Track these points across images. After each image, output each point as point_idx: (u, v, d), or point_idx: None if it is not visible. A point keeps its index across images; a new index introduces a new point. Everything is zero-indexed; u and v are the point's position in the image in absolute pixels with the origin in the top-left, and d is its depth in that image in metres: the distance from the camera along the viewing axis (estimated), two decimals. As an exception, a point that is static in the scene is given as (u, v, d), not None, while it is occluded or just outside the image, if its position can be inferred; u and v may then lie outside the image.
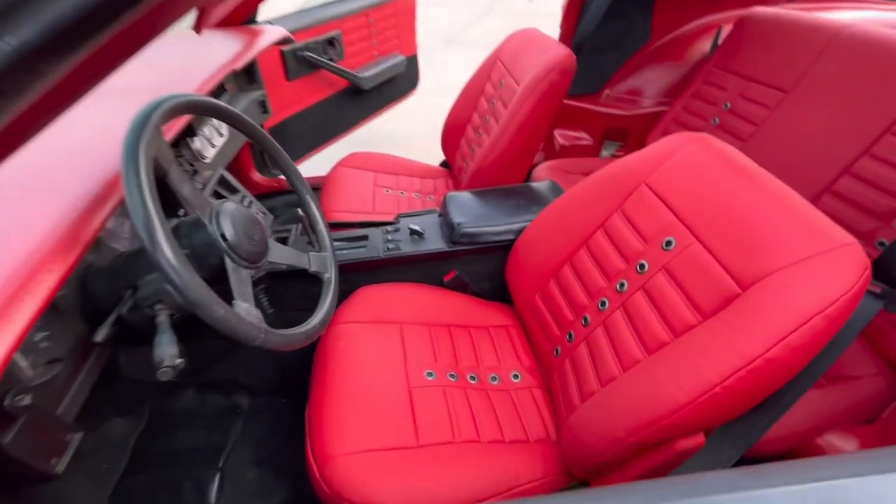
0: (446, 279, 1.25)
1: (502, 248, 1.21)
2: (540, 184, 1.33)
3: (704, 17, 1.82)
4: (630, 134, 1.90)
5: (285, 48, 1.72)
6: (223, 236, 0.65)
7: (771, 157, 1.38)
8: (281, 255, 0.77)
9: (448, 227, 1.21)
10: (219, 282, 0.71)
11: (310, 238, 1.17)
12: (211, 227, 0.65)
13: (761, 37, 1.50)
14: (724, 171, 0.81)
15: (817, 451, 1.00)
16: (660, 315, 0.80)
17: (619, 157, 1.96)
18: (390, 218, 1.36)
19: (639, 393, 0.73)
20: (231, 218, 0.67)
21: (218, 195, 1.21)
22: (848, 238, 0.64)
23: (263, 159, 1.85)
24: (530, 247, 1.13)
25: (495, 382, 1.06)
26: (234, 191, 1.27)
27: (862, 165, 1.14)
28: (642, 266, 0.86)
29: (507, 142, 1.31)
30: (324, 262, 0.86)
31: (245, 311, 0.60)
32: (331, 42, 1.90)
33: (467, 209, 1.23)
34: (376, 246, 1.21)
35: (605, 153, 1.94)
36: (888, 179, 1.08)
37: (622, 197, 0.95)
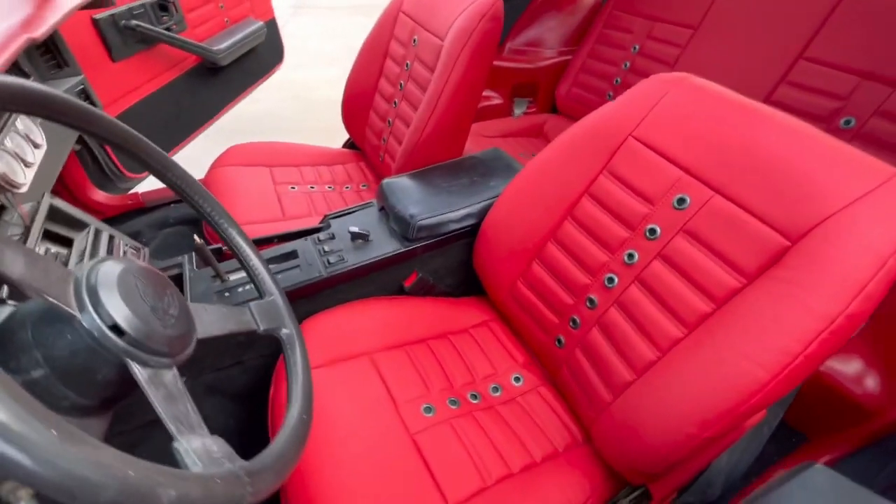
0: (407, 285, 1.04)
1: (466, 235, 1.03)
2: (484, 154, 1.16)
3: (590, -42, 1.78)
4: (539, 87, 1.82)
5: (98, 15, 1.24)
6: (115, 328, 0.36)
7: None
8: (213, 323, 0.49)
9: (399, 222, 0.98)
10: (119, 401, 0.42)
11: (219, 274, 0.85)
12: (86, 319, 0.35)
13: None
14: (726, 110, 0.72)
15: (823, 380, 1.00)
16: (691, 283, 0.70)
17: (531, 113, 1.87)
18: (315, 222, 1.08)
19: (702, 378, 0.63)
20: (119, 289, 0.37)
21: (51, 236, 0.79)
22: (891, 169, 0.59)
23: (102, 169, 1.36)
24: (501, 228, 0.97)
25: (499, 394, 0.90)
26: (75, 225, 0.85)
27: (783, 93, 1.19)
28: (653, 231, 0.75)
29: (444, 109, 1.10)
30: (275, 312, 0.58)
31: (204, 453, 0.33)
32: (162, 6, 1.43)
33: (416, 197, 1.01)
34: (312, 262, 0.94)
35: (517, 111, 1.84)
36: (811, 104, 1.14)
37: (606, 155, 0.83)
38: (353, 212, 1.08)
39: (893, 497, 0.45)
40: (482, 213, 1.01)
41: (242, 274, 0.90)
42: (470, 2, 1.07)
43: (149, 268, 0.43)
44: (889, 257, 0.54)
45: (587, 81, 1.70)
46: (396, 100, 1.31)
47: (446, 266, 1.07)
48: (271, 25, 2.11)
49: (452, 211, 0.99)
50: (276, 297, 0.60)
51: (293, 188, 1.36)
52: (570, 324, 0.86)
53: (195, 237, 0.82)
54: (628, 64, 1.57)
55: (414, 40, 1.24)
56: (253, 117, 2.83)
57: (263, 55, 2.13)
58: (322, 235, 0.99)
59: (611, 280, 0.80)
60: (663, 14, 1.46)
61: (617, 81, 1.61)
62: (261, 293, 0.59)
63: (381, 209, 1.06)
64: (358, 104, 1.46)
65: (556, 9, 1.75)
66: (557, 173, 0.89)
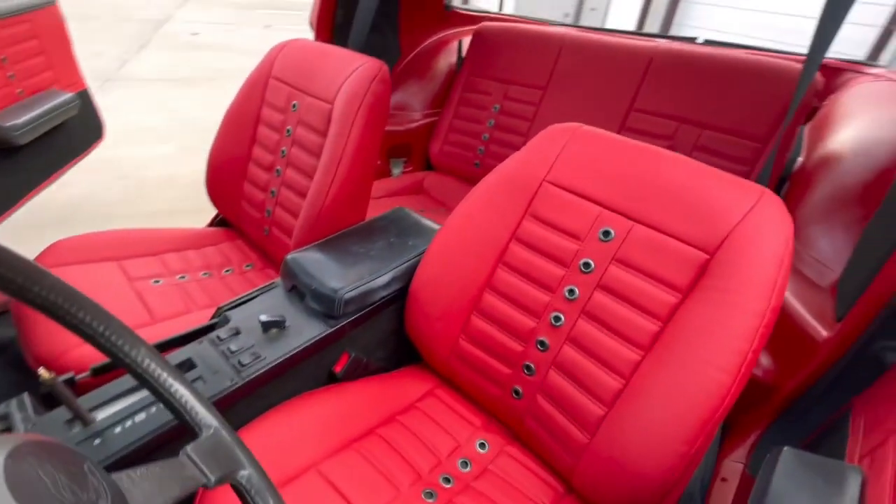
0: (338, 370, 0.89)
1: (394, 301, 0.95)
2: (390, 214, 1.11)
3: (438, 33, 1.95)
4: (413, 147, 1.88)
5: None
6: None
7: None
8: (152, 496, 0.32)
9: (321, 300, 0.86)
10: None
11: (82, 416, 0.62)
12: None
13: (501, 46, 1.70)
14: (621, 151, 0.82)
15: None
16: (634, 306, 0.75)
17: (408, 172, 1.91)
18: (200, 319, 0.88)
19: (676, 393, 0.66)
20: (17, 495, 0.21)
21: None
22: (759, 187, 0.72)
23: None
24: (432, 286, 0.92)
25: (468, 469, 0.81)
26: None
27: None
28: (587, 265, 0.79)
29: (345, 173, 1.03)
30: (223, 451, 0.42)
31: None
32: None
33: (333, 269, 0.90)
34: (218, 370, 0.74)
35: (395, 171, 1.85)
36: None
37: (525, 200, 0.86)
38: (255, 297, 0.91)
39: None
40: (408, 275, 0.95)
41: (116, 408, 0.67)
42: (356, 65, 1.06)
43: (46, 440, 0.27)
44: (783, 255, 0.65)
45: (457, 139, 1.82)
46: (279, 168, 1.19)
47: (377, 339, 0.97)
48: (84, 97, 1.80)
49: (378, 277, 0.91)
50: (217, 428, 0.44)
51: (157, 282, 1.10)
52: (525, 371, 0.83)
53: (41, 370, 0.58)
54: (493, 122, 1.73)
55: (293, 105, 1.16)
56: (67, 204, 2.30)
57: (77, 131, 1.79)
58: (222, 333, 0.81)
59: (557, 318, 0.81)
60: (515, 77, 1.67)
61: (485, 137, 1.75)
62: (197, 429, 0.43)
63: (292, 289, 0.91)
64: (228, 177, 1.29)
65: (417, 76, 1.86)
66: (481, 224, 0.89)
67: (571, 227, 0.81)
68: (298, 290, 0.90)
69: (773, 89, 1.19)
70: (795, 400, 0.93)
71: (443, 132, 1.85)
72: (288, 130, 1.17)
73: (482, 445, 0.86)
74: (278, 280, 0.95)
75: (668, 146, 1.41)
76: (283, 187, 1.18)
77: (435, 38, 1.94)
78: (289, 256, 0.92)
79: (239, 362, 0.75)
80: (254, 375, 0.74)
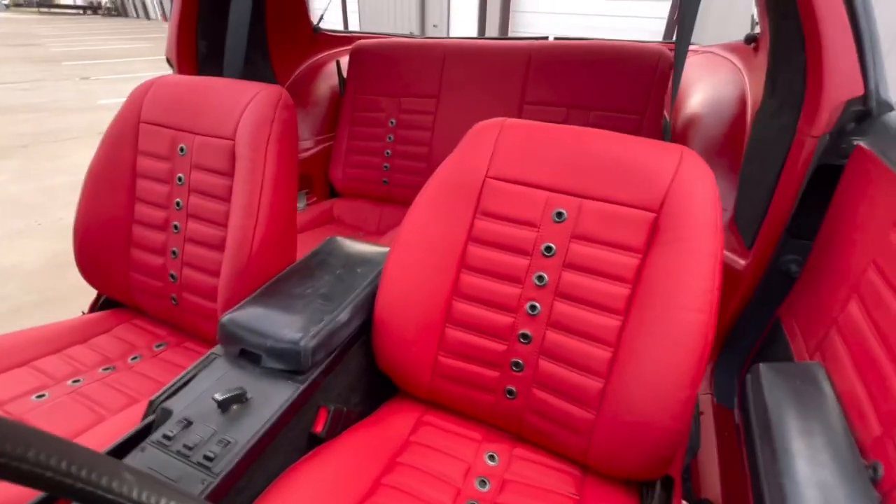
0: (318, 430, 0.78)
1: (357, 339, 0.87)
2: (323, 246, 1.02)
3: (311, 57, 1.87)
4: (313, 177, 1.76)
5: None
6: None
7: None
8: None
9: (282, 356, 0.74)
10: None
11: None
12: None
13: (383, 62, 1.69)
14: (549, 135, 0.85)
15: None
16: (602, 275, 0.78)
17: (314, 203, 1.79)
18: (130, 423, 0.71)
19: (667, 343, 0.70)
20: None
21: None
22: (676, 146, 0.81)
23: None
24: (397, 311, 0.86)
25: (488, 487, 0.77)
26: None
27: None
28: (549, 248, 0.81)
29: (268, 211, 0.91)
30: None
31: None
32: None
33: (285, 319, 0.79)
34: (181, 474, 0.60)
35: (300, 205, 1.72)
36: None
37: (472, 200, 0.85)
38: (194, 376, 0.75)
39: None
40: (368, 305, 0.88)
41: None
42: (252, 94, 0.95)
43: None
44: (714, 198, 0.73)
45: (359, 160, 1.76)
46: (176, 223, 1.02)
47: (349, 383, 0.87)
48: None
49: (338, 315, 0.82)
50: None
51: (41, 397, 0.85)
52: (514, 368, 0.82)
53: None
54: (392, 136, 1.71)
55: (181, 149, 1.00)
56: None
57: None
58: (169, 430, 0.65)
59: (533, 307, 0.81)
60: (405, 90, 1.66)
61: (388, 153, 1.72)
62: None
63: (241, 353, 0.78)
64: (105, 247, 1.07)
65: (299, 104, 1.76)
66: (433, 233, 0.86)
67: (525, 216, 0.82)
68: (249, 353, 0.77)
69: (638, 68, 1.37)
70: (733, 327, 1.06)
71: (341, 156, 1.77)
72: (180, 178, 1.01)
73: (491, 458, 0.82)
74: (217, 349, 0.80)
75: None
76: (188, 244, 1.01)
77: (308, 62, 1.86)
78: (225, 318, 0.79)
79: (205, 457, 0.61)
80: (229, 468, 0.61)
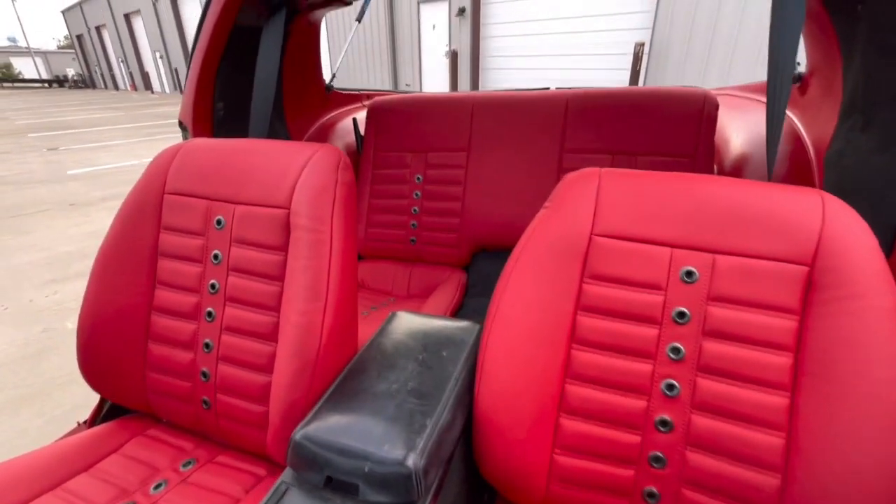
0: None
1: (456, 444, 0.70)
2: (388, 325, 0.86)
3: (324, 116, 1.78)
4: (333, 241, 1.61)
5: None
6: None
7: (494, 205, 1.51)
8: None
9: (387, 484, 0.57)
10: None
11: None
12: None
13: (404, 117, 1.61)
14: (662, 184, 0.76)
15: None
16: (754, 343, 0.66)
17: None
18: None
19: (866, 428, 0.57)
20: None
21: None
22: (811, 189, 0.72)
23: None
24: (502, 403, 0.71)
25: None
26: None
27: None
28: (682, 315, 0.69)
29: (338, 291, 0.75)
30: None
31: None
32: None
33: (378, 431, 0.62)
34: None
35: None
36: None
37: (577, 263, 0.73)
38: None
39: None
40: (467, 398, 0.72)
41: None
42: (307, 155, 0.82)
43: None
44: (874, 243, 0.63)
45: (383, 220, 1.63)
46: (211, 309, 0.85)
47: (456, 494, 0.69)
48: None
49: (441, 416, 0.65)
50: None
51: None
52: (654, 464, 0.66)
53: None
54: (419, 193, 1.60)
55: (217, 222, 0.85)
56: None
57: None
58: None
59: (671, 387, 0.67)
60: (430, 145, 1.58)
61: (415, 210, 1.60)
62: None
63: (328, 482, 0.60)
64: (116, 342, 0.88)
65: (315, 162, 1.64)
66: (532, 303, 0.73)
67: (647, 278, 0.70)
68: (339, 481, 0.59)
69: (683, 112, 1.33)
70: None
71: (362, 215, 1.64)
72: (216, 256, 0.85)
73: None
74: (287, 475, 0.61)
75: None
76: (227, 333, 0.83)
77: (321, 121, 1.77)
78: (299, 434, 0.61)
79: None
80: None
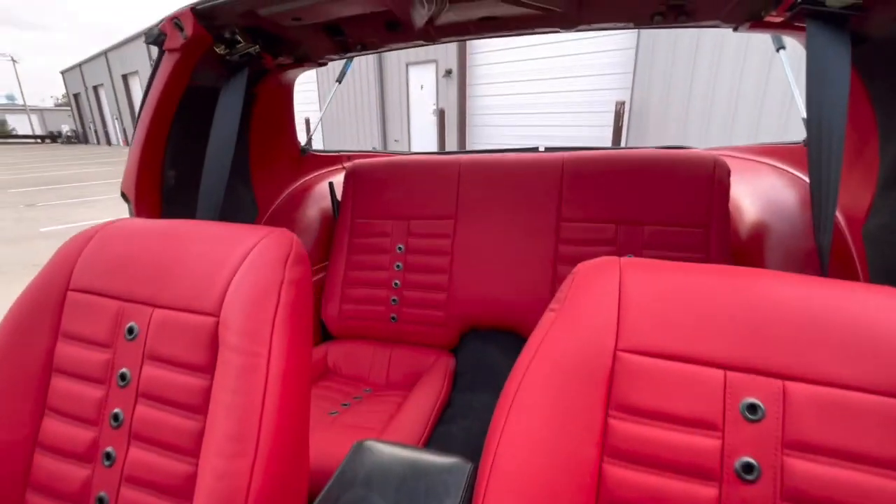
0: None
1: None
2: (355, 459, 0.65)
3: (297, 180, 1.63)
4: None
5: None
6: None
7: (485, 279, 1.34)
8: None
9: None
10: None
11: None
12: None
13: (385, 181, 1.47)
14: (703, 278, 0.59)
15: None
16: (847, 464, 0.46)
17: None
18: None
19: None
20: None
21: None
22: None
23: None
24: None
25: None
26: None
27: (566, 251, 1.28)
28: (749, 468, 0.49)
29: (273, 435, 0.55)
30: None
31: None
32: None
33: None
34: None
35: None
36: (595, 255, 1.26)
37: (600, 389, 0.55)
38: None
39: None
40: None
41: None
42: (250, 244, 0.65)
43: None
44: None
45: (359, 294, 1.44)
46: (111, 449, 0.63)
47: None
48: None
49: None
50: None
51: None
52: None
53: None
54: (401, 265, 1.42)
55: (129, 330, 0.65)
56: None
57: None
58: None
59: None
60: (414, 211, 1.43)
61: (396, 284, 1.42)
62: None
63: None
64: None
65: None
66: (538, 450, 0.53)
67: (694, 412, 0.52)
68: None
69: (693, 177, 1.20)
70: None
71: (336, 290, 1.45)
72: (123, 376, 0.64)
73: None
74: None
75: (613, 252, 1.33)
76: (127, 487, 0.61)
77: (295, 185, 1.62)
78: None
79: None
80: None
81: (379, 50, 1.28)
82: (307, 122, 9.06)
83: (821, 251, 0.70)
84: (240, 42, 1.01)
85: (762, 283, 0.55)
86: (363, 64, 9.70)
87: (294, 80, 1.41)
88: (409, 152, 2.18)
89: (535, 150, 2.00)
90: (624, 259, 0.63)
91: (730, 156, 1.56)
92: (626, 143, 6.66)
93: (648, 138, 6.51)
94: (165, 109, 1.03)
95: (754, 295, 0.54)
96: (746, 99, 5.17)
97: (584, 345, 0.56)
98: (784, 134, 4.83)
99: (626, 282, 0.59)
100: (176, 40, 0.93)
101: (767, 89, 4.95)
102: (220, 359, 0.59)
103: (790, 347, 0.50)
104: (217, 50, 1.03)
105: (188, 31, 0.92)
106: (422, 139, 9.62)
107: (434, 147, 9.10)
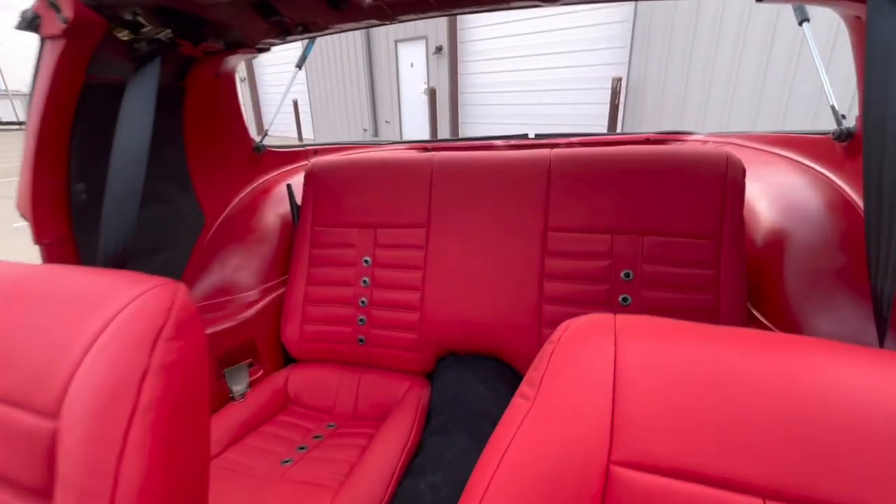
0: None
1: None
2: None
3: (252, 182, 1.45)
4: (256, 341, 1.25)
5: None
6: None
7: (462, 297, 1.17)
8: None
9: None
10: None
11: None
12: None
13: (349, 183, 1.29)
14: (722, 351, 0.42)
15: None
16: None
17: (259, 379, 1.26)
18: None
19: None
20: None
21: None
22: None
23: None
24: None
25: None
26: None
27: (553, 264, 1.11)
28: None
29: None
30: None
31: None
32: None
33: None
34: None
35: (238, 389, 1.18)
36: (586, 269, 1.09)
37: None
38: None
39: None
40: None
41: None
42: (109, 312, 0.48)
43: None
44: None
45: (322, 313, 1.28)
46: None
47: None
48: None
49: None
50: None
51: None
52: None
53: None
54: (368, 280, 1.25)
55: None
56: None
57: None
58: None
59: None
60: (381, 218, 1.25)
61: (363, 302, 1.25)
62: None
63: None
64: None
65: (237, 244, 1.29)
66: None
67: None
68: None
69: (702, 177, 1.02)
70: None
71: (296, 308, 1.29)
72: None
73: None
74: None
75: (608, 265, 1.16)
76: None
77: (250, 187, 1.43)
78: None
79: None
80: None
81: (326, 32, 1.08)
82: (295, 103, 8.73)
83: (878, 302, 0.53)
84: (144, 26, 0.82)
85: (811, 370, 0.39)
86: (349, 41, 9.30)
87: (234, 69, 1.21)
88: (393, 141, 1.99)
89: (525, 136, 1.81)
90: (619, 316, 0.46)
91: (739, 145, 1.38)
92: (623, 121, 6.42)
93: (646, 116, 6.27)
94: (59, 110, 0.84)
95: (801, 390, 0.38)
96: (748, 71, 4.94)
97: (569, 452, 0.40)
98: (786, 110, 4.62)
99: (623, 359, 0.42)
100: (53, 25, 0.74)
101: (770, 61, 4.71)
102: (58, 483, 0.42)
103: (856, 470, 0.35)
104: (119, 36, 0.83)
105: (67, 12, 0.72)
106: (413, 120, 9.30)
107: (426, 128, 8.81)
